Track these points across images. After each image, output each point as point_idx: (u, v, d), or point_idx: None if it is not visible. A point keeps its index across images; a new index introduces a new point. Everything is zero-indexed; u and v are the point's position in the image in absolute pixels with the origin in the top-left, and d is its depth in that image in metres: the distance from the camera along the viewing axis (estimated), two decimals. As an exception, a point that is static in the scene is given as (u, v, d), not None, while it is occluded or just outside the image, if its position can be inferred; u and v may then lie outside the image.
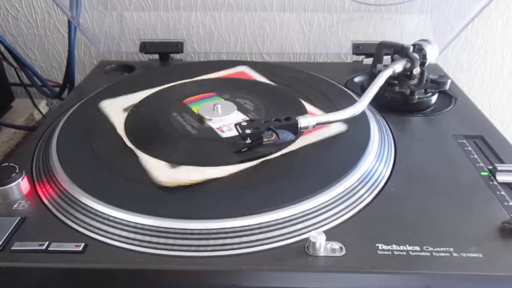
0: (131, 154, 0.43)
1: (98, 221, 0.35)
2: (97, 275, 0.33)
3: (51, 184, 0.40)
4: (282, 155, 0.43)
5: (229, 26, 0.77)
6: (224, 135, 0.46)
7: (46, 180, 0.41)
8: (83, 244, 0.33)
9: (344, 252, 0.33)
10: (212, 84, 0.59)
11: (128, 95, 0.56)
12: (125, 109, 0.52)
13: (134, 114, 0.51)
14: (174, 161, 0.41)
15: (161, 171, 0.40)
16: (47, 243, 0.33)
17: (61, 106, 0.58)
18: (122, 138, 0.46)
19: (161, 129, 0.48)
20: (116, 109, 0.52)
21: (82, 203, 0.37)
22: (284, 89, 0.58)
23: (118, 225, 0.35)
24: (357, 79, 0.65)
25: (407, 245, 0.34)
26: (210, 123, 0.49)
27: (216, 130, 0.47)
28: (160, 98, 0.55)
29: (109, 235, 0.34)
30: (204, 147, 0.45)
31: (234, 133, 0.45)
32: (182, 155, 0.43)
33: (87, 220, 0.35)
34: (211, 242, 0.34)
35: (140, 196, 0.37)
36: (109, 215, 0.35)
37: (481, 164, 0.44)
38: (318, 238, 0.32)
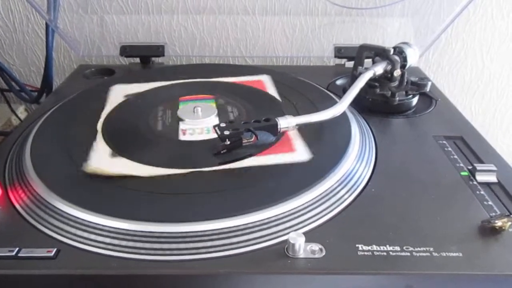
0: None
1: (71, 226, 0.34)
2: (70, 281, 0.32)
3: (23, 189, 0.38)
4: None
5: (211, 29, 0.77)
6: (183, 138, 0.46)
7: (18, 184, 0.39)
8: (55, 250, 0.32)
9: (324, 253, 0.32)
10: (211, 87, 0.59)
11: (140, 83, 0.58)
12: (125, 96, 0.54)
13: (121, 106, 0.52)
14: (118, 152, 0.42)
15: (99, 158, 0.40)
16: (17, 249, 0.32)
17: (37, 110, 0.57)
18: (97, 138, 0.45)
19: (133, 122, 0.48)
20: (118, 94, 0.55)
21: (55, 207, 0.36)
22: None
23: (92, 229, 0.34)
24: (339, 82, 0.65)
25: (388, 245, 0.33)
26: (180, 124, 0.48)
27: (179, 131, 0.47)
28: (158, 93, 0.56)
29: (82, 240, 0.33)
30: (156, 145, 0.45)
31: (194, 138, 0.46)
32: (130, 148, 0.43)
33: (60, 224, 0.34)
34: (188, 245, 0.33)
35: (115, 199, 0.36)
36: (82, 219, 0.34)
37: (461, 165, 0.44)
38: (298, 240, 0.32)
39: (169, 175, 0.39)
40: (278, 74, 0.63)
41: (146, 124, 0.49)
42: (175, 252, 0.33)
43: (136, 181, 0.39)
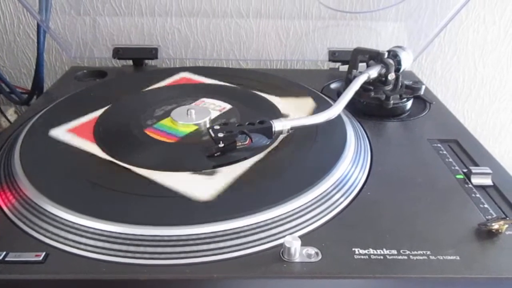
0: (107, 163, 0.41)
1: (60, 229, 0.33)
2: (59, 286, 0.31)
3: (11, 191, 0.37)
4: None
5: (205, 32, 0.76)
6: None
7: (6, 187, 0.38)
8: (43, 254, 0.31)
9: (320, 257, 0.32)
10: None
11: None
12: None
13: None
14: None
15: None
16: (4, 253, 0.31)
17: (27, 112, 0.56)
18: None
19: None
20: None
21: (44, 209, 0.35)
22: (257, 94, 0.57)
23: (82, 232, 0.33)
24: (333, 86, 0.65)
25: (384, 249, 0.33)
26: None
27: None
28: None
29: (72, 243, 0.32)
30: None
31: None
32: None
33: (49, 227, 0.33)
34: (182, 249, 0.32)
35: (105, 202, 0.36)
36: (72, 222, 0.33)
37: (456, 168, 0.44)
38: (293, 243, 0.31)
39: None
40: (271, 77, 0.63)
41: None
42: (167, 256, 0.32)
43: (127, 184, 0.38)
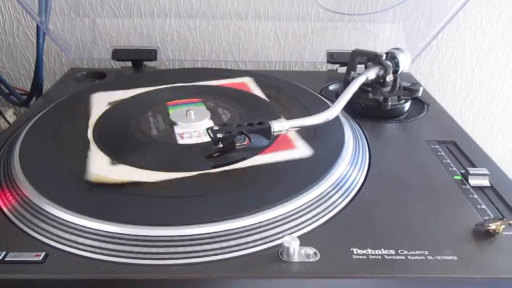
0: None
1: (59, 229, 0.33)
2: (58, 286, 0.31)
3: (11, 191, 0.37)
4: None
5: (204, 34, 0.77)
6: (182, 141, 0.45)
7: (6, 187, 0.38)
8: (43, 254, 0.31)
9: (318, 257, 0.32)
10: (198, 91, 0.58)
11: (120, 90, 0.57)
12: (109, 103, 0.53)
13: (108, 113, 0.51)
14: (116, 159, 0.41)
15: (99, 167, 0.39)
16: (4, 253, 0.31)
17: (27, 113, 0.56)
18: (89, 142, 0.45)
19: (125, 128, 0.47)
20: (101, 102, 0.53)
21: (43, 210, 0.35)
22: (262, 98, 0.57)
23: (81, 233, 0.33)
24: (332, 87, 0.65)
25: (382, 249, 0.33)
26: (175, 128, 0.48)
27: (177, 135, 0.46)
28: (143, 99, 0.55)
29: (71, 243, 0.32)
30: (157, 150, 0.44)
31: (193, 141, 0.45)
32: (129, 154, 0.42)
33: (48, 228, 0.33)
34: (180, 249, 0.32)
35: (104, 202, 0.36)
36: (71, 222, 0.33)
37: (454, 169, 0.44)
38: (292, 243, 0.31)
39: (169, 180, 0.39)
40: (266, 78, 0.63)
41: (138, 130, 0.47)
42: (166, 256, 0.32)
43: (125, 184, 0.38)
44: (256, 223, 0.34)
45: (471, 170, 0.42)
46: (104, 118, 0.50)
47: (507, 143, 0.89)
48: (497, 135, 0.89)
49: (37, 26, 0.65)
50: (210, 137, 0.41)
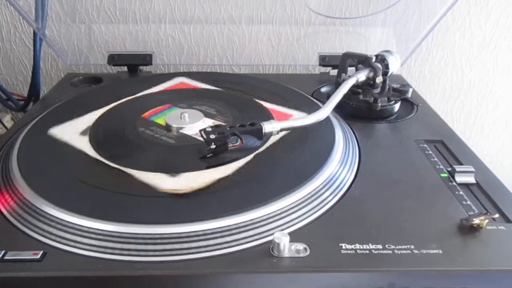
0: (101, 165, 0.42)
1: (57, 228, 0.34)
2: (56, 283, 0.32)
3: (9, 192, 0.38)
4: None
5: (198, 39, 0.78)
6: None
7: (5, 189, 0.39)
8: (41, 252, 0.32)
9: (308, 252, 0.33)
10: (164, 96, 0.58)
11: (76, 119, 0.51)
12: (82, 133, 0.48)
13: (95, 133, 0.49)
14: (174, 171, 0.41)
15: (163, 181, 0.39)
16: (3, 252, 0.32)
17: (23, 118, 0.57)
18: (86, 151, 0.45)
19: (138, 143, 0.46)
20: (71, 134, 0.48)
21: (41, 210, 0.36)
22: (248, 97, 0.58)
23: (78, 232, 0.34)
24: (323, 89, 0.67)
25: (370, 244, 0.34)
26: (184, 131, 0.48)
27: (195, 136, 0.47)
28: (114, 116, 0.53)
29: (68, 242, 0.33)
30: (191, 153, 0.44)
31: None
32: (177, 164, 0.42)
33: (46, 227, 0.34)
34: (174, 246, 0.33)
35: (101, 202, 0.37)
36: (68, 222, 0.34)
37: (441, 166, 0.45)
38: (283, 239, 0.32)
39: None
40: (263, 81, 0.64)
41: (153, 143, 0.46)
42: (160, 253, 0.33)
43: (121, 184, 0.39)
44: (248, 221, 0.35)
45: (458, 168, 0.43)
46: (102, 118, 0.51)
47: (498, 143, 0.91)
48: (488, 136, 0.90)
49: (34, 33, 0.66)
50: (203, 138, 0.42)
